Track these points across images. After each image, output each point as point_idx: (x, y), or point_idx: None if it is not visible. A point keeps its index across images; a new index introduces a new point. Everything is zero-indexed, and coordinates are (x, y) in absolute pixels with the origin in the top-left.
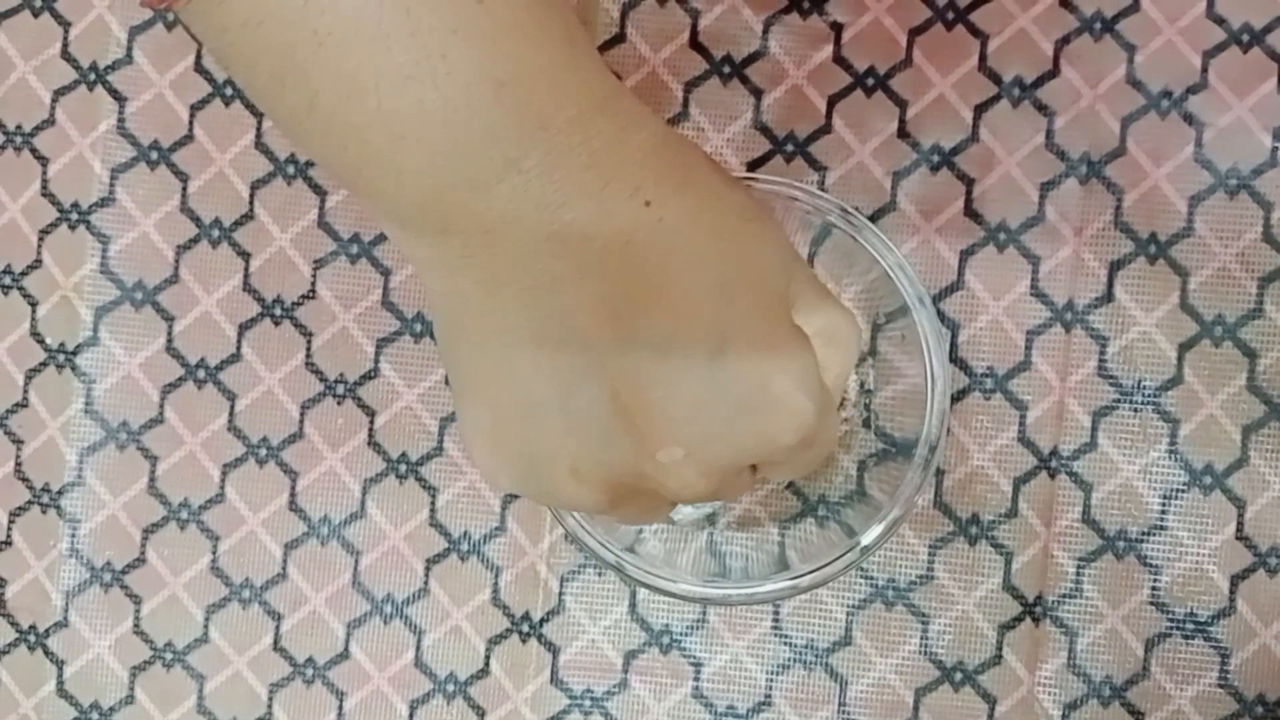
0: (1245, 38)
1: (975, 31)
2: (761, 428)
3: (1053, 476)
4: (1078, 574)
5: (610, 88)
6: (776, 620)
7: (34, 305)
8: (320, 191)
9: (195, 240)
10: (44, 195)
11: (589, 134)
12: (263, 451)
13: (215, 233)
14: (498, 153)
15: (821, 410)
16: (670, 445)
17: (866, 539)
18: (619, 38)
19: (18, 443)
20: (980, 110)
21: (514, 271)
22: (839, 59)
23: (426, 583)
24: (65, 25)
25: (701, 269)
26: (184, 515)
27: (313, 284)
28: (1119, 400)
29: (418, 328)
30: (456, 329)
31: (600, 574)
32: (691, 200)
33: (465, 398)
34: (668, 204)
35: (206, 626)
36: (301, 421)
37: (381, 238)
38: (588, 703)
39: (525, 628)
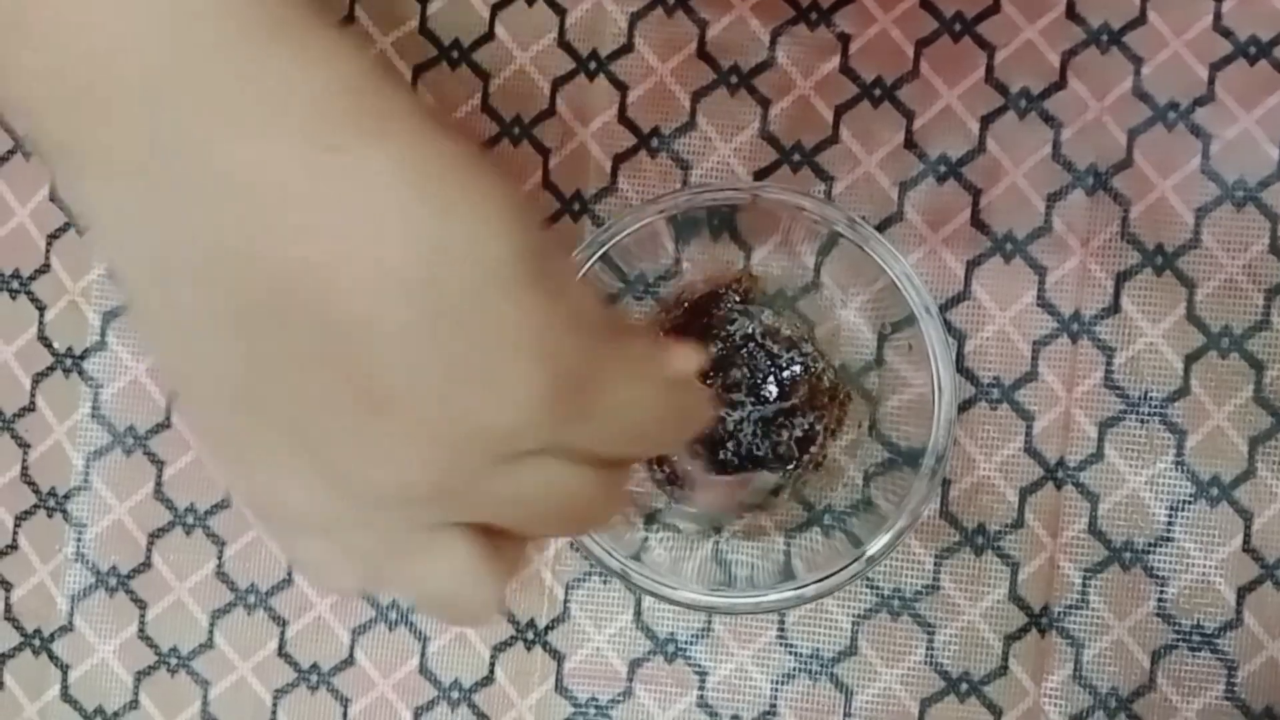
0: (1252, 50)
1: (982, 43)
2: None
3: (1059, 487)
4: (1084, 585)
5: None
6: (782, 629)
7: (42, 309)
8: None
9: None
10: (53, 200)
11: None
12: None
13: None
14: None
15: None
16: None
17: (872, 549)
18: (627, 47)
19: (24, 446)
20: (987, 121)
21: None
22: (846, 70)
23: None
24: None
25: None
26: (190, 520)
27: None
28: (1126, 411)
29: None
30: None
31: (605, 582)
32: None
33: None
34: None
35: (211, 632)
36: None
37: None
38: (592, 711)
39: (530, 635)
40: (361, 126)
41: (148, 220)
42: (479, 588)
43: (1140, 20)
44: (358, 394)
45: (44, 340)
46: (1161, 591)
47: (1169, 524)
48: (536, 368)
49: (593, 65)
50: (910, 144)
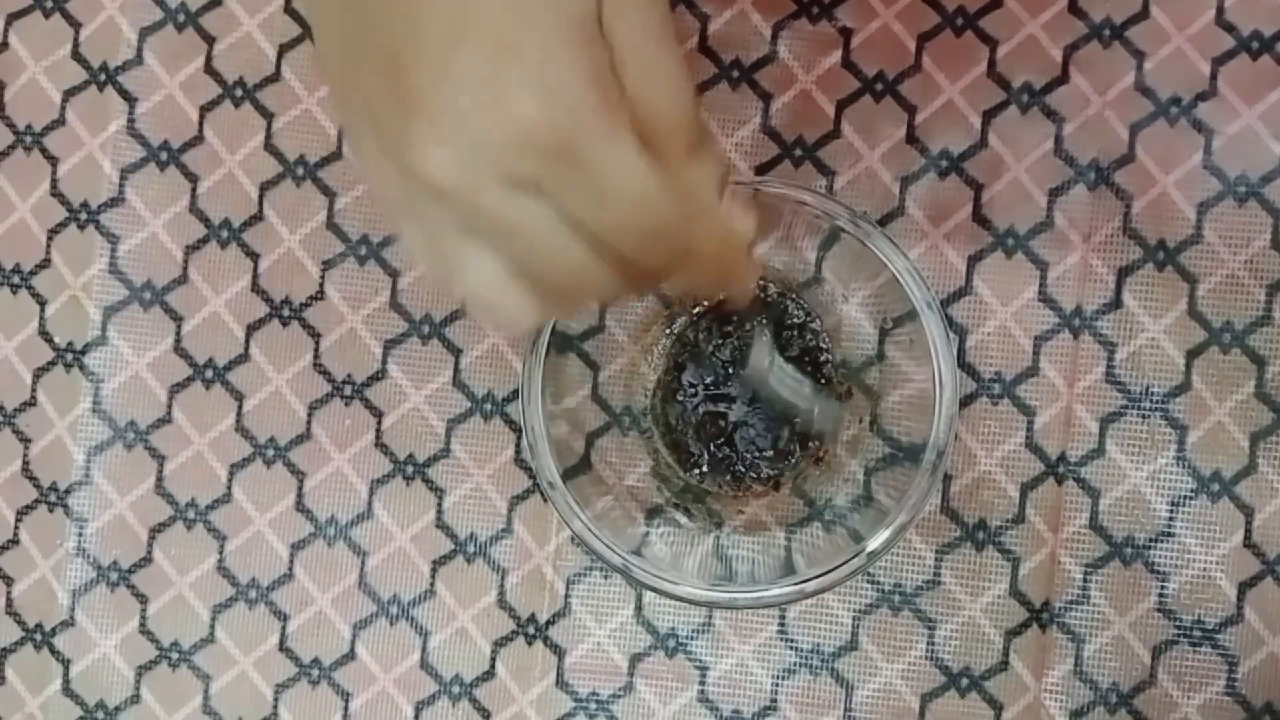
0: (1254, 45)
1: (984, 37)
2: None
3: (1060, 482)
4: (1085, 580)
5: None
6: (782, 624)
7: (43, 304)
8: (329, 193)
9: (204, 241)
10: (53, 195)
11: None
12: (270, 452)
13: (224, 233)
14: None
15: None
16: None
17: (873, 544)
18: None
19: (25, 441)
20: (989, 116)
21: None
22: (848, 64)
23: (433, 584)
24: (76, 26)
25: None
26: (191, 515)
27: (321, 285)
28: (1127, 406)
29: (426, 329)
30: None
31: (606, 577)
32: None
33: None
34: None
35: (213, 626)
36: (309, 422)
37: (390, 239)
38: (593, 705)
39: (531, 630)
40: None
41: None
42: (507, 300)
43: (1143, 15)
44: (401, 96)
45: (45, 335)
46: (1162, 587)
47: (1170, 519)
48: (542, 98)
49: None
50: (912, 139)
